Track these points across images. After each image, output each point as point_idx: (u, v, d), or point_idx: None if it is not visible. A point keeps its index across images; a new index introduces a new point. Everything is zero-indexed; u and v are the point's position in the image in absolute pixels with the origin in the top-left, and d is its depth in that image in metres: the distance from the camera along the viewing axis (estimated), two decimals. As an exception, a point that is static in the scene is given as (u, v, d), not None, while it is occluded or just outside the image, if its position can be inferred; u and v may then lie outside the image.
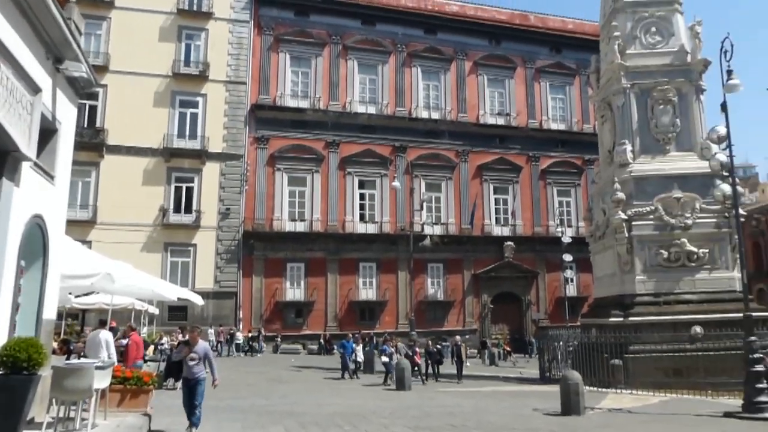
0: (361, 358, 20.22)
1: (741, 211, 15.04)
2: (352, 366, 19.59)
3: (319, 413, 11.45)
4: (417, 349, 18.81)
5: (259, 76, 34.59)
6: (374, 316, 34.27)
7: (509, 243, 36.43)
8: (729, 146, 12.92)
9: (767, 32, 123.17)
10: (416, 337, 23.54)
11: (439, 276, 35.94)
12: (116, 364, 9.26)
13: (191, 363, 8.55)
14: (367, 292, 34.45)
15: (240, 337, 29.47)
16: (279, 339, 31.21)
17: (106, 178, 30.56)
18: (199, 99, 33.18)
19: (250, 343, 29.56)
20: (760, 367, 11.84)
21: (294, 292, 33.25)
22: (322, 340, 32.07)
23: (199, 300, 17.56)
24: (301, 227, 33.87)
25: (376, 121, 36.25)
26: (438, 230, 35.75)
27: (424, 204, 33.84)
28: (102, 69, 30.70)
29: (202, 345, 8.83)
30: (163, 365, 15.47)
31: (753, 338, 12.08)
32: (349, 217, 34.72)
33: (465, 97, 38.24)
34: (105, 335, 9.67)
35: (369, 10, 37.02)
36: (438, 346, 21.50)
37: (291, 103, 35.11)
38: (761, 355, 12.36)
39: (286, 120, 34.69)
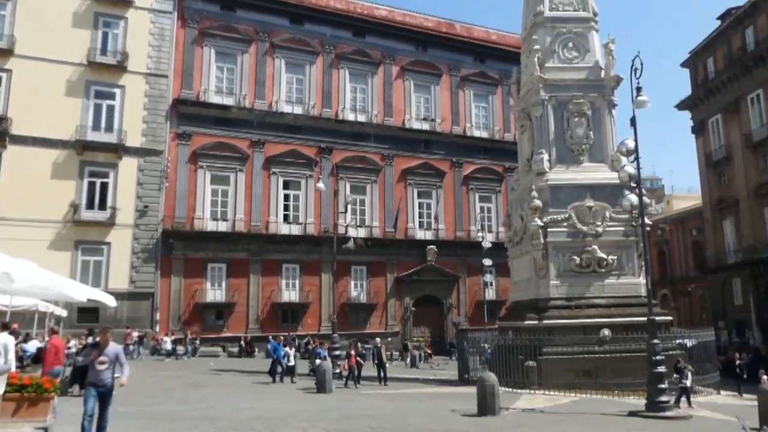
0: (293, 362, 19.66)
1: (647, 221, 15.97)
2: (279, 369, 19.18)
3: (237, 418, 11.21)
4: (352, 352, 18.67)
5: (182, 69, 33.49)
6: (297, 318, 33.95)
7: (432, 247, 37.07)
8: (636, 159, 13.70)
9: (675, 55, 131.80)
10: (338, 339, 23.49)
11: (362, 278, 36.06)
12: (12, 370, 8.54)
13: (100, 367, 7.78)
14: (290, 294, 34.08)
15: (168, 340, 28.17)
16: (198, 341, 30.29)
17: (9, 171, 28.55)
18: (117, 90, 31.68)
19: (175, 346, 28.33)
20: (662, 369, 12.59)
21: (215, 293, 32.40)
22: (243, 343, 31.41)
23: (111, 301, 16.75)
24: (223, 227, 33.07)
25: (302, 122, 35.96)
26: (362, 233, 35.84)
27: (349, 206, 33.82)
28: (6, 53, 28.87)
29: (113, 347, 8.12)
30: (69, 370, 14.60)
31: (656, 341, 12.83)
32: (273, 218, 34.25)
33: (392, 102, 38.61)
34: (3, 339, 8.97)
35: (297, 9, 36.69)
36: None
37: (215, 99, 34.23)
38: (664, 357, 13.15)
39: (210, 117, 33.77)
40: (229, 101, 34.53)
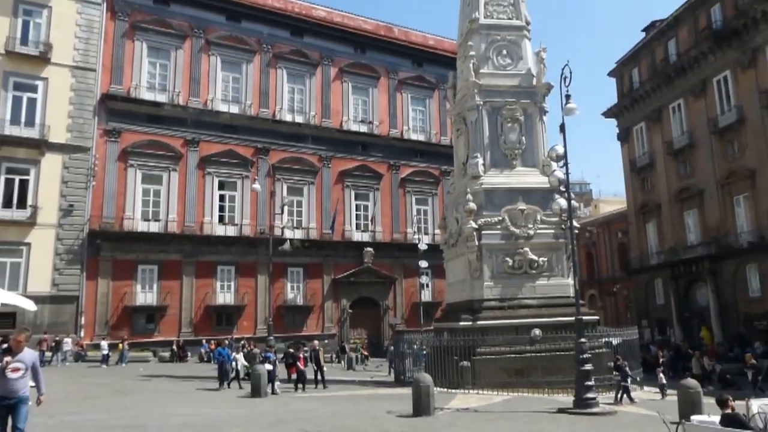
0: (241, 366, 19.02)
1: (575, 224, 16.56)
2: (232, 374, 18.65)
3: (166, 425, 10.85)
4: (300, 355, 18.31)
5: (111, 64, 32.23)
6: (232, 321, 33.27)
7: (369, 249, 37.16)
8: (566, 164, 14.20)
9: (603, 65, 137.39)
10: (274, 341, 23.16)
11: (299, 280, 35.74)
12: None
13: (13, 376, 6.82)
14: (224, 296, 33.37)
15: (105, 345, 26.74)
16: (127, 346, 29.10)
17: None
18: (39, 83, 30.12)
19: (109, 352, 26.93)
20: (588, 367, 13.06)
21: (145, 296, 31.32)
22: (175, 347, 30.49)
23: (30, 305, 15.91)
24: (155, 227, 32.02)
25: (238, 121, 35.29)
26: (299, 234, 35.50)
27: (286, 208, 33.48)
28: None
29: (29, 354, 7.18)
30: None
31: (583, 340, 13.31)
32: (208, 219, 33.45)
33: (329, 103, 38.47)
34: None
35: (234, 6, 36.02)
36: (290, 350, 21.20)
37: (147, 95, 33.13)
38: (590, 355, 13.66)
39: (142, 113, 32.64)
40: (162, 98, 33.49)
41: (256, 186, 27.46)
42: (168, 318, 31.54)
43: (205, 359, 30.30)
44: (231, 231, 34.06)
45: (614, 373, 15.70)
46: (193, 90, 34.33)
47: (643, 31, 42.95)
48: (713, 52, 34.65)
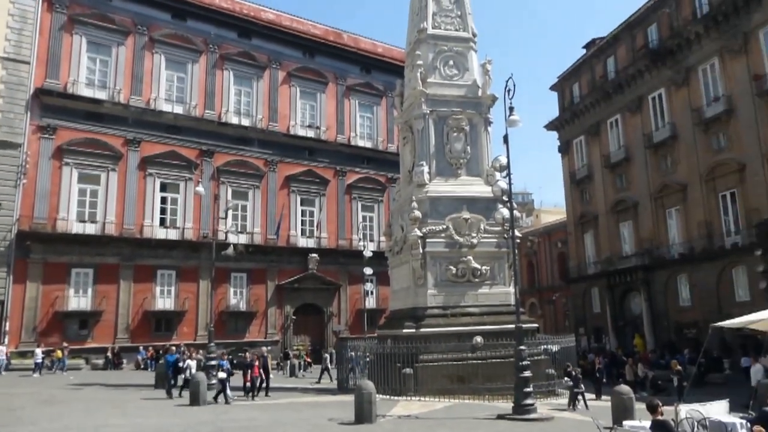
0: (191, 374, 18.20)
1: (517, 233, 16.91)
2: (179, 382, 17.94)
3: (97, 437, 10.42)
4: (256, 363, 17.84)
5: (47, 57, 30.87)
6: (171, 327, 32.33)
7: (314, 255, 36.90)
8: (509, 175, 14.52)
9: (547, 78, 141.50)
10: (215, 348, 22.62)
11: (242, 286, 35.12)
12: None
13: None
14: (164, 302, 32.42)
15: (39, 353, 25.29)
16: (66, 354, 27.66)
17: None
18: (-33, 75, 28.61)
19: (43, 359, 25.55)
20: (527, 374, 13.35)
21: (79, 301, 30.06)
22: (109, 354, 29.39)
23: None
24: (91, 229, 30.82)
25: (182, 122, 34.46)
26: (243, 239, 34.92)
27: (230, 212, 32.80)
28: None
29: None
30: None
31: (522, 347, 13.59)
32: (148, 221, 32.45)
33: (277, 107, 38.08)
34: None
35: (180, 4, 35.22)
36: (246, 358, 20.67)
37: (86, 92, 31.91)
38: (530, 362, 13.97)
39: (79, 110, 31.41)
40: (101, 95, 32.34)
41: (200, 189, 26.78)
42: (103, 324, 30.36)
43: (142, 366, 29.36)
44: (173, 234, 33.16)
45: (565, 379, 16.16)
46: (135, 88, 33.32)
47: (583, 47, 44.46)
48: (649, 70, 36.17)
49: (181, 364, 18.88)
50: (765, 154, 28.14)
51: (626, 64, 38.33)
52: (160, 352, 29.58)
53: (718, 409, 9.98)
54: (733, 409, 10.88)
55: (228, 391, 16.21)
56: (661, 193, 34.99)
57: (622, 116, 38.79)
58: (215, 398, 16.28)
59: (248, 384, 17.23)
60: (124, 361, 29.74)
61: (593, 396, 17.66)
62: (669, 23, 34.91)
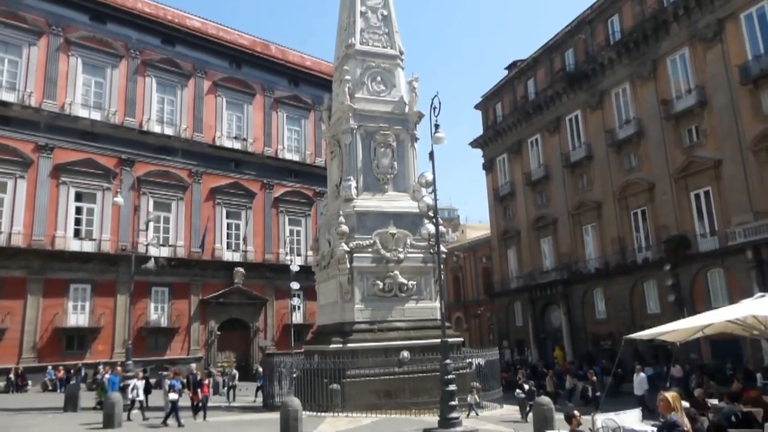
0: (141, 396, 17.02)
1: (443, 249, 17.19)
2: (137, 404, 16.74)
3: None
4: (206, 381, 16.92)
5: (-51, 57, 28.83)
6: (85, 345, 30.61)
7: (239, 269, 36.07)
8: (434, 191, 14.77)
9: (471, 98, 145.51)
10: (132, 366, 21.60)
11: (164, 301, 33.80)
12: None
13: None
14: (77, 318, 30.69)
15: None
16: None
17: None
18: None
19: None
20: (453, 387, 13.49)
21: (-23, 318, 27.93)
22: (12, 375, 27.43)
23: None
24: (-6, 241, 28.83)
25: (100, 129, 32.95)
26: (165, 252, 33.69)
27: (151, 223, 31.68)
28: None
29: None
30: None
31: (448, 361, 13.75)
32: (61, 233, 30.69)
33: (202, 117, 37.17)
34: None
35: (99, 6, 33.84)
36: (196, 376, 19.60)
37: (-9, 95, 29.98)
38: (455, 376, 14.13)
39: (-17, 114, 29.44)
40: (10, 98, 30.45)
41: (119, 199, 25.68)
42: (5, 342, 28.31)
43: (50, 388, 27.61)
44: (88, 246, 31.52)
45: (517, 392, 16.56)
46: (48, 91, 31.60)
47: (506, 69, 46.08)
48: (566, 93, 37.93)
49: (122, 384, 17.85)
50: (672, 174, 30.03)
51: (545, 86, 40.03)
52: (71, 371, 28.03)
53: (631, 418, 10.45)
54: (645, 417, 11.44)
55: (179, 412, 15.36)
56: (578, 210, 36.61)
57: (542, 136, 40.40)
58: (164, 421, 15.40)
59: (199, 403, 16.48)
60: (29, 382, 27.88)
61: (517, 407, 18.04)
62: (585, 48, 36.79)
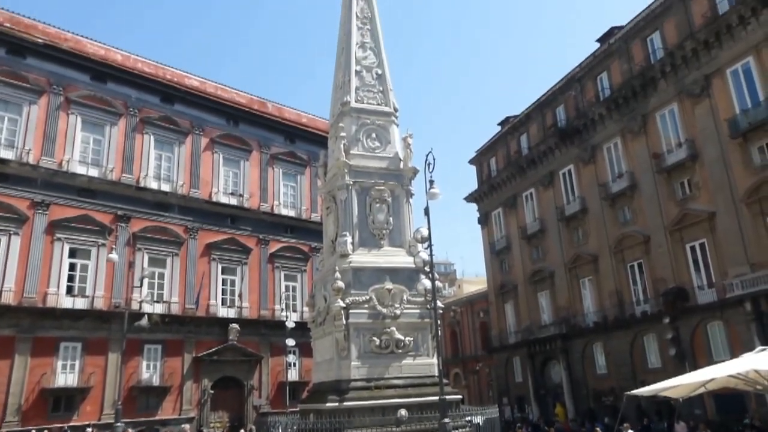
0: None
1: (440, 304, 17.02)
2: None
3: None
4: None
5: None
6: (72, 406, 29.70)
7: (234, 325, 35.55)
8: (430, 246, 14.76)
9: (465, 153, 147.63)
10: (123, 427, 21.01)
11: (156, 359, 33.12)
12: None
13: None
14: (66, 378, 29.90)
15: None
16: None
17: None
18: None
19: None
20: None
21: (-41, 380, 27.14)
22: (-8, 442, 26.49)
23: None
24: (-18, 299, 28.39)
25: (97, 185, 33.10)
26: (159, 309, 33.28)
27: (146, 280, 31.40)
28: None
29: None
30: None
31: (446, 420, 13.41)
32: (53, 289, 30.31)
33: (199, 173, 37.45)
34: None
35: (100, 66, 34.58)
36: None
37: (-10, 152, 30.21)
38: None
39: (-20, 170, 29.57)
40: (8, 155, 30.64)
41: (113, 256, 25.55)
42: (-12, 405, 27.41)
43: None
44: (80, 303, 31.10)
45: None
46: (46, 149, 31.88)
47: (499, 124, 46.95)
48: (559, 148, 38.53)
49: None
50: (667, 226, 30.18)
51: (538, 141, 40.72)
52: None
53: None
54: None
55: None
56: (575, 263, 36.58)
57: (536, 190, 40.78)
58: None
59: None
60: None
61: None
62: (575, 105, 37.63)
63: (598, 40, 37.22)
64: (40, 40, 32.44)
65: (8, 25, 31.66)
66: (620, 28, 35.20)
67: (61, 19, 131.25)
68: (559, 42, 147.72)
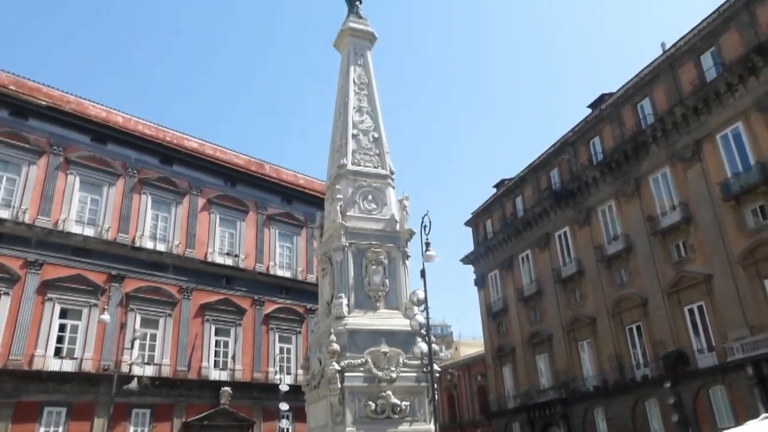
0: None
1: (436, 367, 16.68)
2: None
3: None
4: None
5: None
6: (50, 477, 28.46)
7: (226, 388, 34.66)
8: (426, 309, 14.61)
9: (461, 214, 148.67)
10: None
11: (144, 424, 32.02)
12: None
13: None
14: (48, 445, 28.83)
15: None
16: None
17: None
18: None
19: None
20: None
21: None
22: None
23: None
24: (-34, 362, 27.64)
25: (92, 245, 32.94)
26: (150, 371, 32.48)
27: (137, 341, 30.83)
28: None
29: None
30: None
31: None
32: (41, 351, 29.58)
33: (195, 233, 37.42)
34: None
35: (102, 128, 35.07)
36: None
37: (-14, 211, 30.20)
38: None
39: (-27, 230, 29.46)
40: (4, 214, 30.56)
41: (105, 316, 25.20)
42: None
43: None
44: (68, 366, 30.31)
45: None
46: (43, 208, 31.91)
47: (494, 187, 47.44)
48: (554, 210, 38.83)
49: None
50: (664, 289, 30.05)
51: (533, 203, 41.07)
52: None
53: None
54: None
55: None
56: (573, 326, 36.19)
57: (533, 252, 40.80)
58: None
59: None
60: None
61: None
62: (569, 168, 38.18)
63: (590, 106, 38.14)
64: (43, 102, 33.06)
65: (13, 87, 32.34)
66: (611, 94, 36.14)
67: (66, 81, 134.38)
68: (552, 107, 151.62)
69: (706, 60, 29.74)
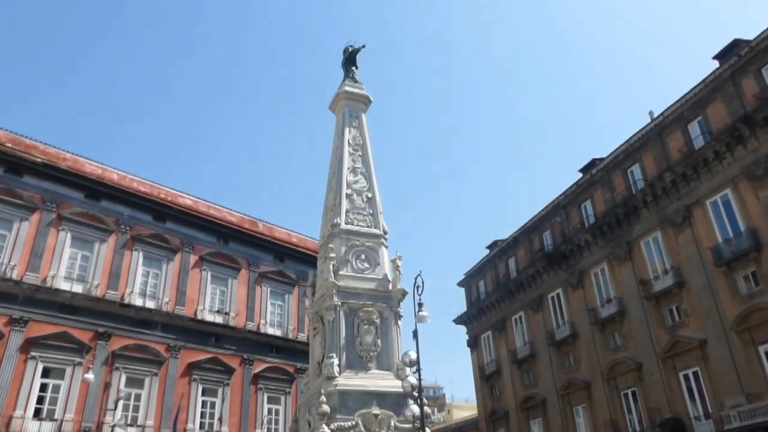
0: None
1: (428, 430, 16.23)
2: None
3: None
4: None
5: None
6: None
7: (210, 453, 33.52)
8: (418, 370, 14.37)
9: (454, 275, 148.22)
10: None
11: (123, 490, 30.74)
12: None
13: None
14: None
15: None
16: None
17: None
18: None
19: None
20: None
21: None
22: None
23: None
24: (-60, 426, 26.70)
25: (80, 302, 32.43)
26: (131, 433, 31.41)
27: (121, 402, 29.92)
28: None
29: None
30: None
31: None
32: (20, 413, 28.60)
33: (186, 290, 37.00)
34: None
35: (96, 185, 35.17)
36: None
37: (-29, 267, 29.83)
38: None
39: (-40, 287, 29.01)
40: (-9, 271, 30.29)
41: (89, 376, 24.57)
42: None
43: None
44: (47, 428, 29.23)
45: None
46: (32, 264, 31.57)
47: (487, 248, 47.53)
48: (547, 272, 38.79)
49: None
50: (659, 354, 29.71)
51: (526, 264, 41.07)
52: None
53: None
54: None
55: None
56: (567, 390, 35.53)
57: (526, 313, 40.51)
58: None
59: None
60: None
61: None
62: (561, 230, 38.43)
63: (581, 170, 38.77)
64: (39, 160, 33.28)
65: (9, 145, 32.61)
66: (602, 159, 36.82)
67: (63, 139, 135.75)
68: (543, 170, 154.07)
69: (694, 129, 30.50)
